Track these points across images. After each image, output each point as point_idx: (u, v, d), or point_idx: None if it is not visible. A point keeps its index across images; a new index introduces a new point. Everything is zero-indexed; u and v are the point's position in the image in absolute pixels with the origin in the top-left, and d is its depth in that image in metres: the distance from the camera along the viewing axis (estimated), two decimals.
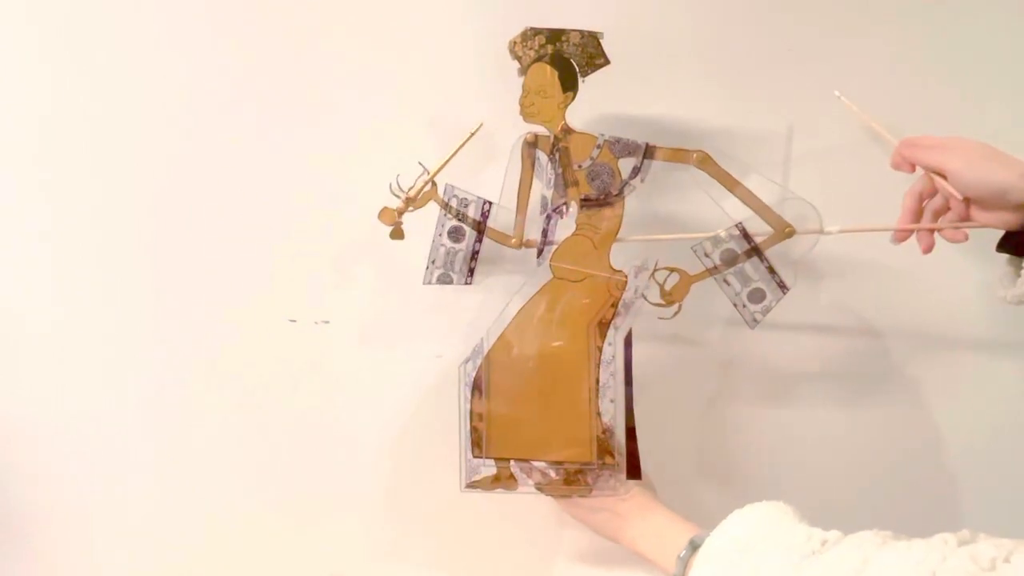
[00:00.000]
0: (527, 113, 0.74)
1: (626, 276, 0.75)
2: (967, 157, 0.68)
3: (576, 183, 0.75)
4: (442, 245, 0.79)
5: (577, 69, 0.73)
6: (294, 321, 0.88)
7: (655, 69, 0.84)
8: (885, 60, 0.85)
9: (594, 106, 0.77)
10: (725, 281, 0.75)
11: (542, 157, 0.76)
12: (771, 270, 0.74)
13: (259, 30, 0.84)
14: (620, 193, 0.74)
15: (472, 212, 0.78)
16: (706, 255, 0.75)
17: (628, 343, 0.76)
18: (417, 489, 0.91)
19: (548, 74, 0.73)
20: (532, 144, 0.76)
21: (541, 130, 0.75)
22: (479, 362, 0.76)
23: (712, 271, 0.75)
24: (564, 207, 0.75)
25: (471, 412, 0.76)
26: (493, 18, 0.80)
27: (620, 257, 0.75)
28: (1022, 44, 0.85)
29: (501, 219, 0.78)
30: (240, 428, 0.90)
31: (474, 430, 0.76)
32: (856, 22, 0.84)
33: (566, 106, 0.74)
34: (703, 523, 0.69)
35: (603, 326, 0.75)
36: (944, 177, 0.69)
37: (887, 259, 0.84)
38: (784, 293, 0.74)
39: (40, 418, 0.89)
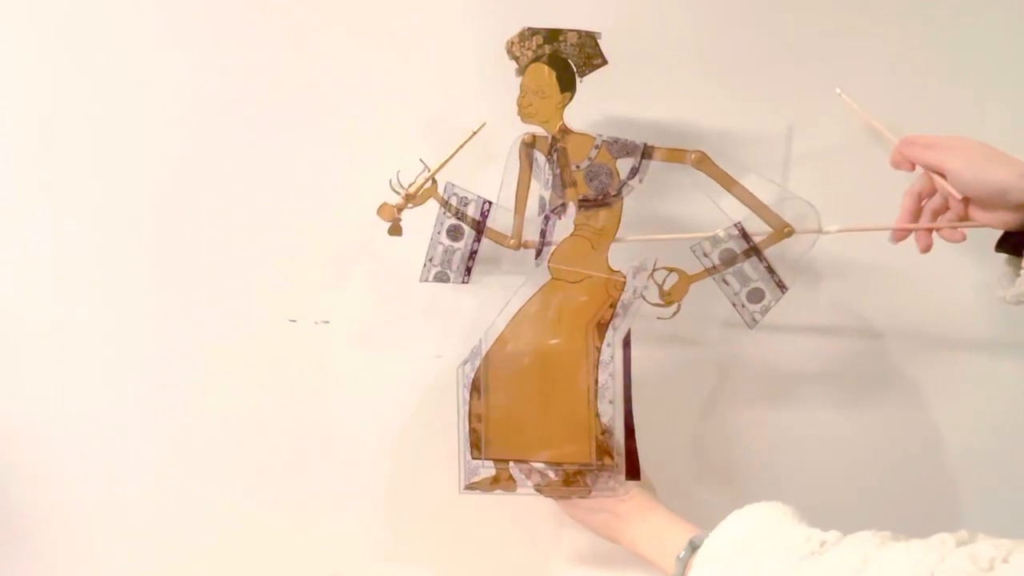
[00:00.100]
0: (525, 113, 0.74)
1: (624, 276, 0.75)
2: (967, 156, 0.68)
3: (574, 183, 0.75)
4: (440, 243, 0.79)
5: (575, 69, 0.73)
6: (294, 321, 0.89)
7: (654, 69, 0.84)
8: (885, 60, 0.85)
9: (592, 106, 0.77)
10: (724, 281, 0.75)
11: (540, 158, 0.76)
12: (770, 270, 0.74)
13: (259, 30, 0.84)
14: (618, 193, 0.74)
15: (471, 211, 0.78)
16: (705, 255, 0.74)
17: (627, 344, 0.76)
18: (417, 489, 0.91)
19: (546, 74, 0.73)
20: (530, 145, 0.76)
21: (539, 130, 0.75)
22: (477, 363, 0.76)
23: (711, 271, 0.75)
24: (562, 208, 0.75)
25: (470, 413, 0.76)
26: (493, 18, 0.80)
27: (618, 257, 0.75)
28: (1022, 44, 0.84)
29: (499, 219, 0.78)
30: (240, 428, 0.90)
31: (473, 431, 0.76)
32: (856, 22, 0.84)
33: (564, 106, 0.74)
34: (702, 523, 0.69)
35: (602, 327, 0.74)
36: (943, 176, 0.69)
37: (886, 259, 0.84)
38: (783, 293, 0.74)
39: (40, 418, 0.89)
